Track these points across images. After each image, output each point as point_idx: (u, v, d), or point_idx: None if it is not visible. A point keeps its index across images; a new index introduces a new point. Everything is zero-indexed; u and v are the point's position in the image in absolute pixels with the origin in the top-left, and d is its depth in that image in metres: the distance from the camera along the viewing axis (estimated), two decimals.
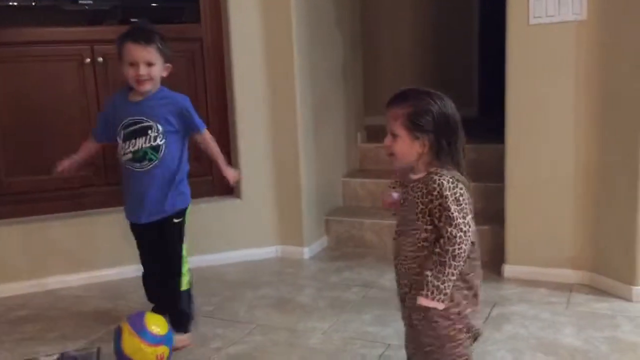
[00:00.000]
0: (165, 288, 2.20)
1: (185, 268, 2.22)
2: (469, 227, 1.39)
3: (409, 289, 1.49)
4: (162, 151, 2.08)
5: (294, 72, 2.95)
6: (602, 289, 2.49)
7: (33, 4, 2.74)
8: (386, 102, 1.47)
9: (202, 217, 2.99)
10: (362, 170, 3.70)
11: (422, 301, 1.41)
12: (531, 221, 2.63)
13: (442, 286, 1.39)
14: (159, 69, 2.06)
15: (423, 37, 4.68)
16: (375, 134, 3.95)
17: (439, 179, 1.39)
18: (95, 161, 2.73)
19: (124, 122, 2.08)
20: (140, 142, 2.06)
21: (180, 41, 2.96)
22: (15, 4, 2.71)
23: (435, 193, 1.39)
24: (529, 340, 2.11)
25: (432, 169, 1.42)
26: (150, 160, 2.07)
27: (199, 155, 3.03)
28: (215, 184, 3.11)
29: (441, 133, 1.42)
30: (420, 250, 1.45)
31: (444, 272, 1.38)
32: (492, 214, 3.03)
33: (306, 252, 3.10)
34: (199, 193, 3.06)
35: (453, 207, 1.37)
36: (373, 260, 3.01)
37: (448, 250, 1.38)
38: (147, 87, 2.05)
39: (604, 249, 2.49)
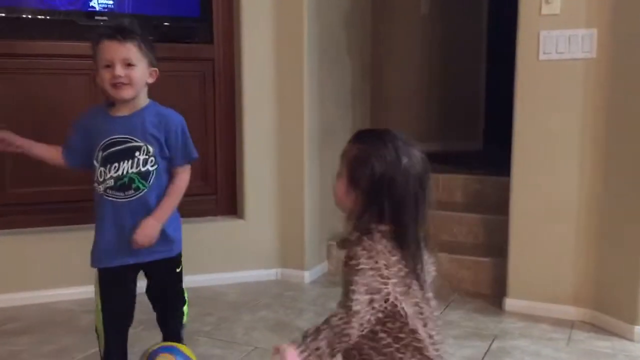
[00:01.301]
0: (166, 328, 1.94)
1: (186, 299, 1.97)
2: (366, 310, 1.12)
3: (356, 357, 1.23)
4: (152, 179, 1.72)
5: (302, 96, 2.97)
6: (603, 327, 2.47)
7: (48, 17, 2.76)
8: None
9: (204, 236, 2.99)
10: None
11: (280, 346, 1.15)
12: (534, 255, 2.62)
13: (310, 343, 1.14)
14: (141, 73, 1.68)
15: (431, 68, 4.72)
16: None
17: (355, 247, 1.14)
18: None
19: (104, 142, 1.69)
20: (125, 167, 1.68)
21: (193, 61, 3.01)
22: (29, 17, 2.73)
23: (347, 262, 1.15)
24: None
25: (355, 234, 1.16)
26: (137, 189, 1.70)
27: (204, 174, 3.07)
28: (219, 204, 3.12)
29: (377, 195, 1.15)
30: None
31: (318, 334, 1.14)
32: (494, 246, 3.03)
33: (307, 276, 3.08)
34: (202, 212, 3.08)
35: (356, 279, 1.12)
36: None
37: (330, 320, 1.14)
38: (126, 93, 1.67)
39: (606, 287, 2.47)
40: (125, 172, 1.68)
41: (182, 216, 3.18)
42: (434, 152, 4.49)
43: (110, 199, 1.71)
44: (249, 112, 3.02)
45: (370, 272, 1.12)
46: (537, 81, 2.52)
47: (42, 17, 2.76)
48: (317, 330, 1.14)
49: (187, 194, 3.01)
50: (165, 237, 1.77)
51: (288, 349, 1.13)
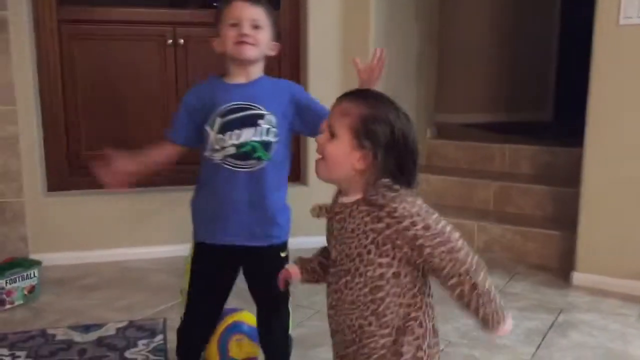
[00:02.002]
0: (271, 336, 1.73)
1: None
2: (459, 236, 1.11)
3: (356, 343, 1.15)
4: (272, 151, 1.58)
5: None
6: None
7: None
8: (339, 96, 1.19)
9: None
10: (429, 165, 3.66)
11: (499, 332, 1.12)
12: (605, 229, 2.53)
13: (496, 305, 1.11)
14: (266, 38, 1.59)
15: (500, 36, 4.57)
16: (445, 131, 3.91)
17: (400, 204, 1.08)
18: None
19: (223, 108, 1.56)
20: (247, 134, 1.55)
21: None
22: None
23: (392, 219, 1.08)
24: (596, 350, 2.04)
25: (380, 189, 1.11)
26: (259, 158, 1.57)
27: None
28: None
29: (394, 152, 1.11)
30: (375, 292, 1.12)
31: (483, 291, 1.10)
32: (563, 219, 2.95)
33: None
34: None
35: (435, 226, 1.09)
36: None
37: (467, 270, 1.10)
38: (251, 52, 1.56)
39: None
40: (247, 140, 1.55)
41: None
42: (501, 122, 4.43)
43: (229, 167, 1.56)
44: (314, 80, 3.02)
45: (433, 217, 1.10)
46: (616, 48, 2.40)
47: None
48: (478, 293, 1.10)
49: None
50: (276, 223, 1.65)
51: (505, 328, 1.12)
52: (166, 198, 2.94)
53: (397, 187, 1.11)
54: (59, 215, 2.85)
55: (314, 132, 1.49)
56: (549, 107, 4.84)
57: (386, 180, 1.11)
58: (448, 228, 1.10)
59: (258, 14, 1.58)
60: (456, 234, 1.11)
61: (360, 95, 1.18)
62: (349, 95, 1.18)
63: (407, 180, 1.13)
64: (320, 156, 1.16)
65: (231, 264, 1.67)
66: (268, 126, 1.56)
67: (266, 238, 1.63)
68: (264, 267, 1.62)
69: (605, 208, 2.52)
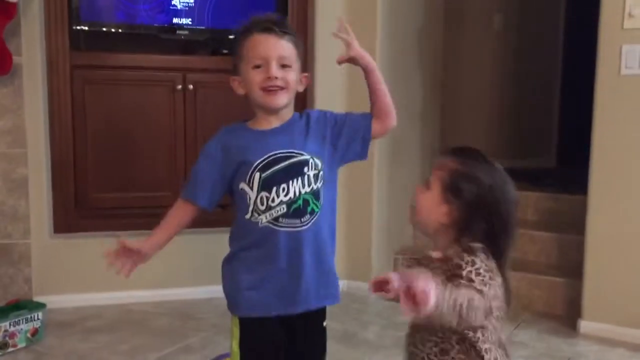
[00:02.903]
0: None
1: None
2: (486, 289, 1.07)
3: None
4: (322, 198, 1.40)
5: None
6: None
7: (133, 32, 2.91)
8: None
9: None
10: None
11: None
12: (611, 277, 2.52)
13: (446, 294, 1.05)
14: (296, 77, 1.37)
15: (503, 83, 4.64)
16: None
17: (469, 257, 1.09)
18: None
19: (261, 161, 1.34)
20: (296, 187, 1.34)
21: None
22: (119, 31, 2.89)
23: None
24: None
25: (463, 247, 1.11)
26: (312, 212, 1.37)
27: None
28: None
29: (479, 211, 1.11)
30: (443, 355, 1.16)
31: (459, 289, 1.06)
32: (568, 266, 2.93)
33: None
34: None
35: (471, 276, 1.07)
36: None
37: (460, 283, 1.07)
38: (281, 99, 1.35)
39: None
40: (297, 193, 1.34)
41: None
42: (505, 168, 4.45)
43: (285, 229, 1.34)
44: None
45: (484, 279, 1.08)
46: (618, 97, 2.45)
47: (126, 31, 2.90)
48: (458, 285, 1.06)
49: None
50: (335, 277, 1.47)
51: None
52: (172, 241, 2.95)
53: (479, 251, 1.09)
54: (64, 257, 2.85)
55: (363, 154, 1.46)
56: (553, 153, 4.88)
57: (474, 244, 1.10)
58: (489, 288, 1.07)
59: (286, 49, 1.35)
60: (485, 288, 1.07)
61: (459, 151, 1.19)
62: (451, 150, 1.20)
63: (498, 250, 1.11)
64: (413, 205, 1.19)
65: (287, 335, 1.42)
66: (315, 171, 1.37)
67: (330, 297, 1.45)
68: (315, 334, 1.46)
69: (611, 255, 2.52)
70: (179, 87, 2.95)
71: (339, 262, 3.14)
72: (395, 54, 3.12)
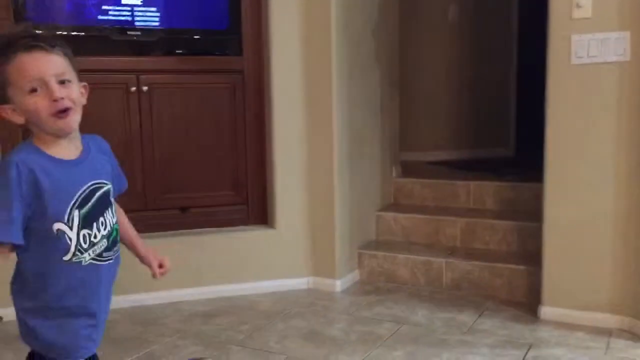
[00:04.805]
0: None
1: None
2: None
3: None
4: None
5: (331, 105, 2.98)
6: None
7: (83, 34, 2.84)
8: None
9: (235, 245, 3.03)
10: (396, 204, 3.69)
11: None
12: (569, 263, 2.57)
13: None
14: (77, 90, 1.24)
15: (460, 75, 4.69)
16: (410, 169, 3.96)
17: None
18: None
19: (78, 195, 1.22)
20: (109, 218, 1.28)
21: (222, 73, 3.06)
22: (64, 33, 2.81)
23: None
24: None
25: None
26: (116, 242, 1.32)
27: (235, 184, 3.11)
28: (250, 213, 3.15)
29: None
30: None
31: None
32: (528, 253, 2.99)
33: (338, 285, 3.08)
34: (233, 221, 3.12)
35: None
36: (405, 295, 2.98)
37: None
38: (75, 120, 1.22)
39: None
40: (112, 225, 1.29)
41: (215, 225, 3.23)
42: (465, 159, 4.51)
43: (104, 263, 1.27)
44: (279, 122, 3.04)
45: None
46: (569, 85, 2.49)
47: (76, 33, 2.83)
48: None
49: (218, 204, 3.11)
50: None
51: None
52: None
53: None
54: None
55: (120, 188, 1.37)
56: (511, 143, 4.95)
57: None
58: None
59: (61, 63, 1.20)
60: None
61: None
62: None
63: None
64: None
65: None
66: (112, 198, 1.30)
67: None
68: None
69: (568, 242, 2.57)
70: (133, 89, 2.89)
71: (303, 258, 3.17)
72: (351, 48, 3.12)
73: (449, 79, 4.67)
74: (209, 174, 3.06)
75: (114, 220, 1.30)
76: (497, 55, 4.79)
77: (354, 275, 3.24)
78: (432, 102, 4.62)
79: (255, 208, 3.16)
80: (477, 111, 4.72)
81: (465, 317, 2.65)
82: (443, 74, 4.65)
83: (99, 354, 2.26)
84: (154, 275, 1.46)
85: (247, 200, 3.15)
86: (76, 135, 1.27)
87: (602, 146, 2.47)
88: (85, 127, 2.87)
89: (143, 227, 2.96)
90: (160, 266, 1.48)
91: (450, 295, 2.96)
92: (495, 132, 4.84)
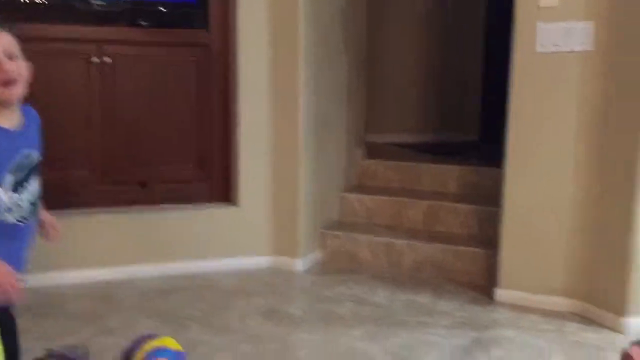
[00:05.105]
0: None
1: None
2: None
3: None
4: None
5: (298, 86, 2.96)
6: (593, 319, 2.48)
7: (45, 1, 2.75)
8: None
9: (197, 222, 3.00)
10: (361, 186, 3.70)
11: None
12: (526, 247, 2.63)
13: None
14: (24, 67, 1.37)
15: (427, 62, 4.71)
16: (376, 151, 3.97)
17: None
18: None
19: (14, 161, 1.35)
20: (34, 185, 1.41)
21: (188, 46, 3.00)
22: (27, 0, 2.72)
23: None
24: None
25: None
26: (37, 206, 1.44)
27: (199, 161, 3.07)
28: (213, 190, 3.12)
29: None
30: None
31: None
32: (488, 237, 3.04)
33: (300, 264, 3.09)
34: (196, 198, 3.08)
35: None
36: (366, 276, 3.00)
37: None
38: (18, 91, 1.35)
39: (596, 280, 2.49)
40: (37, 193, 1.41)
41: (177, 202, 3.20)
42: (430, 142, 4.55)
43: (20, 225, 1.38)
44: (245, 99, 3.01)
45: None
46: (533, 73, 2.52)
47: (40, 0, 2.74)
48: None
49: (181, 180, 3.07)
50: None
51: None
52: (88, 221, 2.85)
53: None
54: None
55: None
56: (476, 129, 5.00)
57: None
58: None
59: (9, 41, 1.33)
60: None
61: None
62: None
63: None
64: None
65: None
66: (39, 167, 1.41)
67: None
68: None
69: (525, 226, 2.62)
70: (95, 59, 2.82)
71: (265, 237, 3.17)
72: (319, 35, 3.10)
73: (417, 66, 4.69)
74: (172, 148, 3.02)
75: (39, 190, 1.41)
76: (464, 43, 4.81)
77: (316, 256, 3.25)
78: (400, 87, 4.64)
79: (219, 185, 3.14)
80: (443, 97, 4.75)
81: (425, 299, 2.68)
82: (411, 61, 4.67)
83: (53, 326, 2.20)
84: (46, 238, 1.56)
85: (211, 177, 3.12)
86: (18, 107, 1.39)
87: (563, 135, 2.51)
88: (45, 96, 2.79)
89: (102, 201, 2.94)
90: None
91: (412, 277, 3.00)
92: (460, 117, 4.87)
